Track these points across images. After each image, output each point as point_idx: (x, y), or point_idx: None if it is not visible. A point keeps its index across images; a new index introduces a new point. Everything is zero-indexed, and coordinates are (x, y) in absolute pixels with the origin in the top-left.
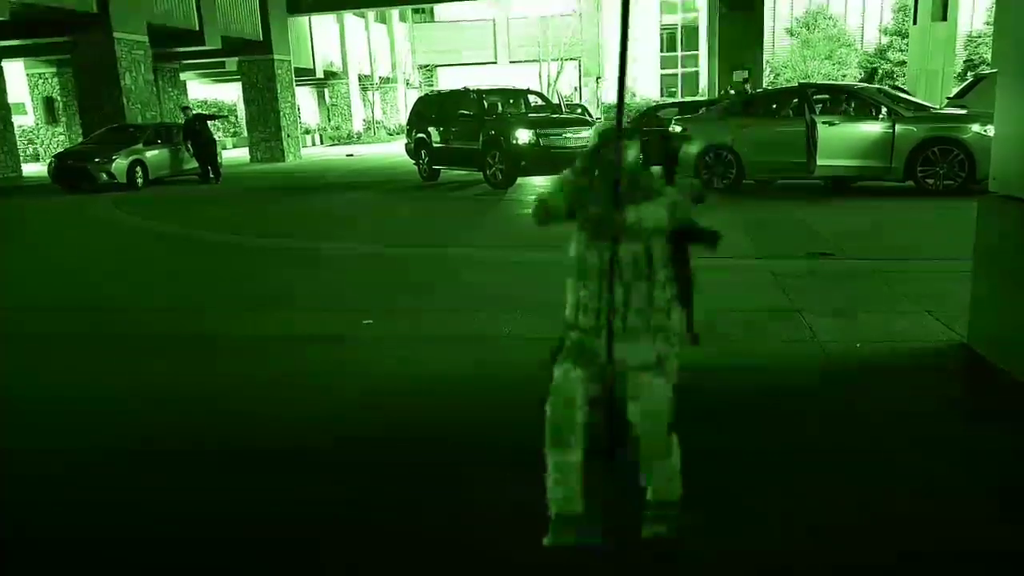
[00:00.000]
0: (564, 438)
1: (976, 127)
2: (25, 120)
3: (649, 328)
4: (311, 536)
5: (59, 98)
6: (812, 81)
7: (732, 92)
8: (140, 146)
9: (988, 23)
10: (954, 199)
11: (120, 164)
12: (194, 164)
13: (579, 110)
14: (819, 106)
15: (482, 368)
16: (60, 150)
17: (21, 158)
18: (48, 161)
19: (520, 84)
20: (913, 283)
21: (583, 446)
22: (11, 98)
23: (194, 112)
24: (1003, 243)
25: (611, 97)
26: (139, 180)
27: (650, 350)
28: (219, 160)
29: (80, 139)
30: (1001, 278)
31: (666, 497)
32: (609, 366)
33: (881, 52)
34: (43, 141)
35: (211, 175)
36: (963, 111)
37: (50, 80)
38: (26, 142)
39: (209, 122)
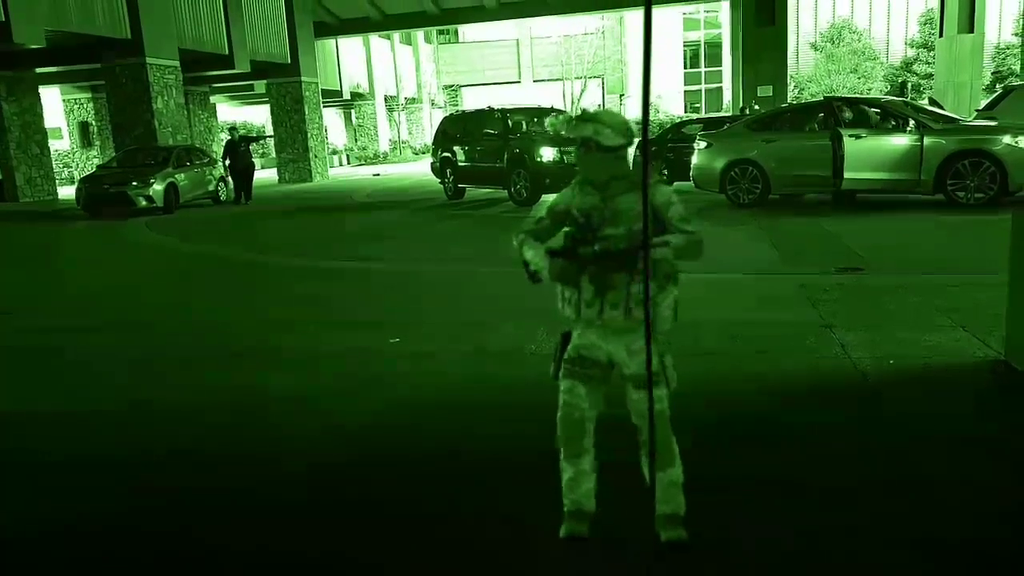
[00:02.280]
0: (575, 449)
1: (1007, 139)
2: (61, 144)
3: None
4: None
5: (94, 122)
6: (837, 95)
7: (757, 107)
8: (171, 169)
9: (1016, 34)
10: (985, 212)
11: (158, 188)
12: (212, 188)
13: None
14: (845, 119)
15: (508, 381)
16: (85, 175)
17: (57, 181)
18: (77, 186)
19: (544, 103)
20: (945, 298)
21: (594, 452)
22: (47, 123)
23: (240, 134)
24: None
25: (635, 113)
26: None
27: (654, 355)
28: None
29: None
30: None
31: (674, 511)
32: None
33: (907, 65)
34: (78, 164)
35: (243, 197)
36: (993, 123)
37: (85, 105)
38: (62, 166)
39: (252, 144)
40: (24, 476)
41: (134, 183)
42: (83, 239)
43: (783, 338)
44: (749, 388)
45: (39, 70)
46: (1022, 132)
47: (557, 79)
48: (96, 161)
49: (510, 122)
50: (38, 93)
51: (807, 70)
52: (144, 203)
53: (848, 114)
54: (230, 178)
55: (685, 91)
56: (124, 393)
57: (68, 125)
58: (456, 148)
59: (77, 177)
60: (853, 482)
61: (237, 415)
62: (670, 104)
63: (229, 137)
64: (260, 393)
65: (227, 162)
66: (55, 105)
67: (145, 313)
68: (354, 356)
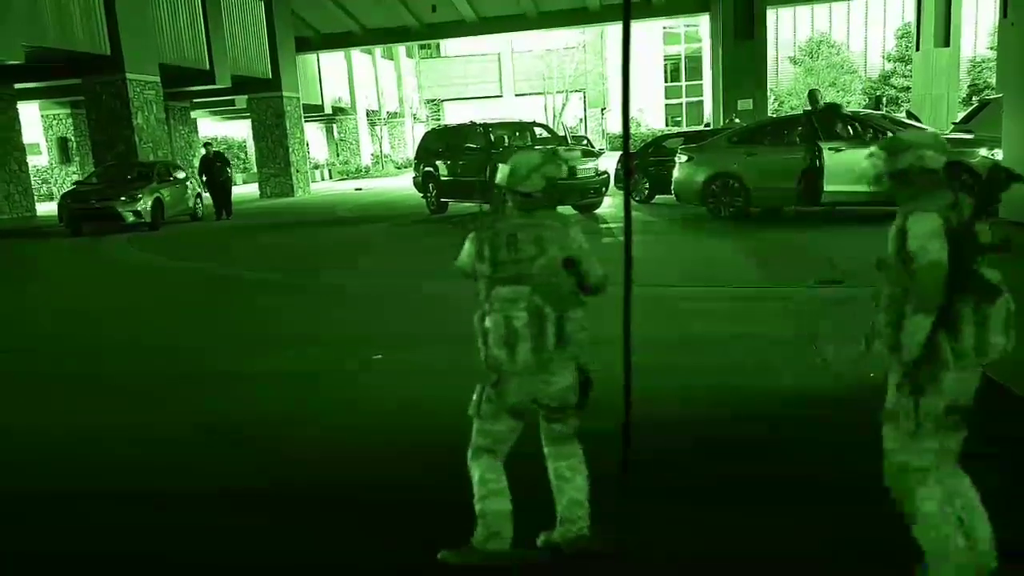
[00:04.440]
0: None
1: (983, 151)
2: (39, 160)
3: None
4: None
5: (73, 138)
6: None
7: (737, 120)
8: (156, 184)
9: (991, 48)
10: None
11: (145, 204)
12: (192, 204)
13: (583, 141)
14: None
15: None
16: (66, 191)
17: (35, 198)
18: (60, 202)
19: (525, 117)
20: None
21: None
22: (26, 139)
23: (214, 150)
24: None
25: (616, 127)
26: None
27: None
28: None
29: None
30: (1015, 303)
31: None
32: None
33: (885, 78)
34: (57, 181)
35: (224, 213)
36: (969, 135)
37: (64, 121)
38: (40, 182)
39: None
40: None
41: (122, 198)
42: (67, 256)
43: (765, 351)
44: (732, 400)
45: (17, 86)
46: (998, 144)
47: (539, 93)
48: (75, 177)
49: (492, 136)
50: (16, 109)
51: (787, 84)
52: (132, 218)
53: (827, 128)
54: (207, 194)
55: (666, 104)
56: (95, 418)
57: (47, 141)
58: (438, 162)
59: (56, 193)
60: (834, 490)
61: (222, 438)
62: (651, 118)
63: (204, 153)
64: (239, 416)
65: (204, 178)
66: (34, 121)
67: (128, 334)
68: (338, 374)
